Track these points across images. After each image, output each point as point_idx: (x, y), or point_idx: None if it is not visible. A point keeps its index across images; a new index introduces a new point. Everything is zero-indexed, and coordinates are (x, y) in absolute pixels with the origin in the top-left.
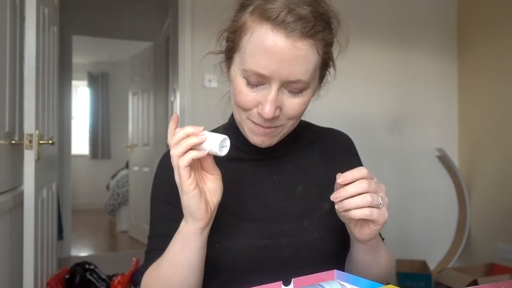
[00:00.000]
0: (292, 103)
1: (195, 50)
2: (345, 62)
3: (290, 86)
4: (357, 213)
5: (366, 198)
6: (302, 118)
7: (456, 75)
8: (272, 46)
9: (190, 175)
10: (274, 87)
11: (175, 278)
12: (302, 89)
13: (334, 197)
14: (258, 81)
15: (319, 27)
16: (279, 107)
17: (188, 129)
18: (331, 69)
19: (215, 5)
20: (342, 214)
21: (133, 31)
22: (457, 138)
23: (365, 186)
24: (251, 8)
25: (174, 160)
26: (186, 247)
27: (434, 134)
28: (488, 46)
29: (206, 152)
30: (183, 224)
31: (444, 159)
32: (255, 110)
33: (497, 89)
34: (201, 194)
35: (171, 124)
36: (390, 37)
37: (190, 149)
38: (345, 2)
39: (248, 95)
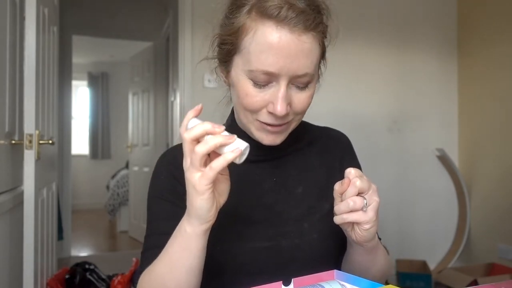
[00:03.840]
0: (300, 98)
1: (195, 50)
2: (345, 61)
3: (297, 81)
4: (336, 220)
5: (348, 204)
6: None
7: (456, 75)
8: (278, 42)
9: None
10: (283, 84)
11: (171, 282)
12: (308, 83)
13: None
14: (265, 80)
15: (318, 19)
16: (289, 104)
17: (207, 125)
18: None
19: (215, 5)
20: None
21: (133, 31)
22: (457, 138)
23: (351, 192)
24: (247, 8)
25: (196, 158)
26: (187, 250)
27: (434, 134)
28: (488, 46)
29: (239, 154)
30: (185, 226)
31: (444, 159)
32: (264, 110)
33: (497, 89)
34: (214, 196)
35: (190, 114)
36: (390, 37)
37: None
38: (346, 2)
39: (256, 95)
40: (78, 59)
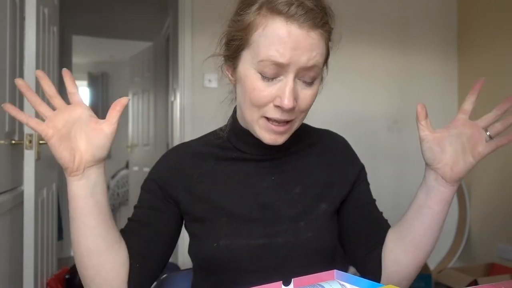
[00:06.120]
0: (306, 94)
1: (195, 50)
2: (345, 61)
3: (305, 75)
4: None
5: None
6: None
7: (456, 75)
8: (287, 35)
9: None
10: (290, 77)
11: (72, 237)
12: (314, 78)
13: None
14: (274, 72)
15: (325, 19)
16: (295, 99)
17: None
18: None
19: (215, 5)
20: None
21: (133, 31)
22: None
23: None
24: (256, 5)
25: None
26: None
27: None
28: (489, 46)
29: None
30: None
31: None
32: (270, 105)
33: (497, 89)
34: (61, 142)
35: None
36: (390, 37)
37: None
38: (346, 1)
39: (263, 90)
40: (78, 59)
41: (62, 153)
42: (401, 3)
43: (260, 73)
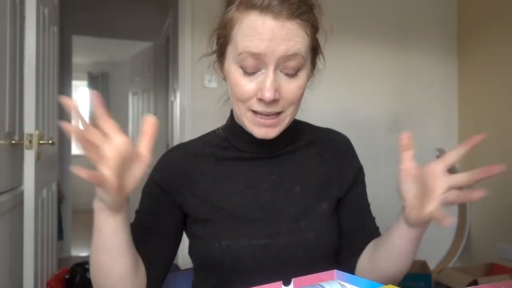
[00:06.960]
0: (290, 87)
1: (195, 50)
2: (345, 62)
3: (286, 66)
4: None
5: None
6: (302, 119)
7: (456, 75)
8: (262, 27)
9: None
10: (270, 69)
11: (93, 263)
12: (298, 68)
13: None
14: (253, 65)
15: (304, 8)
16: (277, 91)
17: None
18: (320, 61)
19: (215, 5)
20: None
21: (133, 31)
22: (457, 138)
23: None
24: (236, 2)
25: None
26: (100, 232)
27: (434, 134)
28: (488, 46)
29: None
30: (96, 210)
31: None
32: (254, 99)
33: (497, 89)
34: (119, 187)
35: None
36: (390, 37)
37: None
38: (345, 2)
39: (245, 85)
40: (78, 59)
41: (116, 197)
42: (401, 3)
43: (241, 68)
